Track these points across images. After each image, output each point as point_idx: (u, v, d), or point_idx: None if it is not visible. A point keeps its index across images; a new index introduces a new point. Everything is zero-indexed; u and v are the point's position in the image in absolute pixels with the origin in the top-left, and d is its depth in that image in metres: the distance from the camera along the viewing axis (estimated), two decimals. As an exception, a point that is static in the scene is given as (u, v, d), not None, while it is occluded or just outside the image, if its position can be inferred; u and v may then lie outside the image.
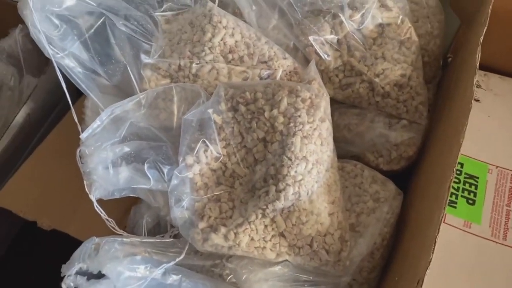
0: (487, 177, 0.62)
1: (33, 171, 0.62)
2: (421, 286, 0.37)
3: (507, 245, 0.55)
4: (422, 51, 0.65)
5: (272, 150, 0.45)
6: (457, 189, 0.60)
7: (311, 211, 0.44)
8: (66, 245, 0.51)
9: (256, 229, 0.43)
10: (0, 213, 0.75)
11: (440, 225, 0.40)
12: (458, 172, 0.62)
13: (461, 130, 0.46)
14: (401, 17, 0.58)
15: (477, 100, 0.70)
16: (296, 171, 0.43)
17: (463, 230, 0.57)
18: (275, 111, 0.46)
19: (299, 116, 0.45)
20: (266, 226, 0.44)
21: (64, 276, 0.41)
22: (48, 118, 0.76)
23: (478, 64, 0.52)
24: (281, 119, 0.45)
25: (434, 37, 0.65)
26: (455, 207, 0.59)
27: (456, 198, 0.59)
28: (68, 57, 0.46)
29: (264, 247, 0.44)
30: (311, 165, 0.44)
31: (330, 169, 0.47)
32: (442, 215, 0.41)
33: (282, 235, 0.44)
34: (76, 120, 0.48)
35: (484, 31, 0.54)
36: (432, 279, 0.48)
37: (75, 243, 0.50)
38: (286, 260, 0.45)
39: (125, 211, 0.58)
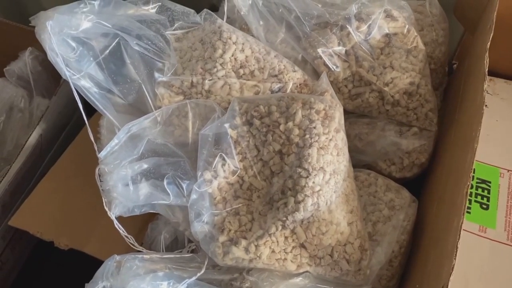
0: (499, 181, 0.62)
1: (48, 191, 0.62)
2: (444, 291, 0.38)
3: (523, 249, 0.56)
4: (428, 59, 0.65)
5: (288, 162, 0.45)
6: (470, 194, 0.60)
7: (330, 221, 0.44)
8: (81, 265, 0.52)
9: (277, 241, 0.44)
10: (13, 237, 0.76)
11: (460, 231, 0.41)
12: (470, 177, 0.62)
13: (475, 136, 0.47)
14: (407, 26, 0.59)
15: (485, 105, 0.71)
16: (314, 182, 0.44)
17: (479, 235, 0.57)
18: (290, 124, 0.46)
19: (314, 127, 0.45)
20: (286, 237, 0.44)
21: (88, 295, 0.41)
22: (58, 138, 0.77)
23: (486, 70, 0.52)
24: (296, 131, 0.46)
25: (439, 44, 0.66)
26: (469, 212, 0.59)
27: (470, 203, 0.60)
28: (84, 78, 0.46)
29: (285, 259, 0.44)
30: (329, 175, 0.44)
31: (347, 178, 0.48)
32: (461, 221, 0.42)
33: (302, 246, 0.44)
34: (92, 139, 0.49)
35: (491, 37, 0.55)
36: (451, 285, 0.49)
37: (89, 263, 0.50)
38: (307, 271, 0.45)
39: (140, 229, 0.58)
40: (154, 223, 0.54)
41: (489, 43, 0.55)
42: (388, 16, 0.59)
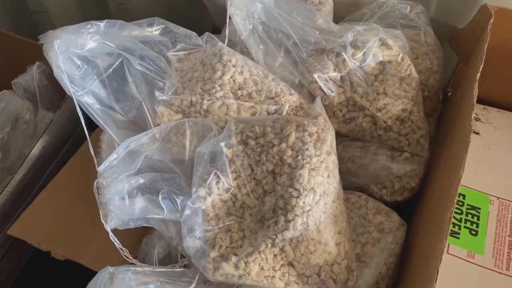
0: (489, 208, 0.63)
1: (47, 203, 0.64)
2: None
3: (510, 276, 0.56)
4: (422, 86, 0.68)
5: (281, 182, 0.47)
6: (460, 220, 0.62)
7: (319, 241, 0.46)
8: (76, 277, 0.53)
9: (266, 258, 0.45)
10: (11, 246, 0.77)
11: (442, 256, 0.42)
12: (460, 203, 0.63)
13: (461, 163, 0.48)
14: (401, 55, 0.61)
15: (477, 133, 0.72)
16: (304, 202, 0.45)
17: (467, 261, 0.58)
18: (283, 145, 0.48)
19: (307, 149, 0.47)
20: (275, 255, 0.45)
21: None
22: (61, 151, 0.79)
23: (475, 99, 0.54)
24: (289, 152, 0.48)
25: (434, 72, 0.68)
26: (458, 238, 0.60)
27: (459, 229, 0.61)
28: (88, 95, 0.49)
29: (274, 276, 0.45)
30: (319, 196, 0.46)
31: (337, 200, 0.49)
32: (444, 246, 0.43)
33: (291, 264, 0.46)
34: (92, 153, 0.51)
35: (481, 68, 0.57)
36: None
37: (85, 275, 0.51)
38: (296, 290, 0.46)
39: (135, 243, 0.59)
40: (148, 237, 0.56)
41: (479, 74, 0.57)
42: (383, 44, 0.61)
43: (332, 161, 0.48)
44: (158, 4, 0.89)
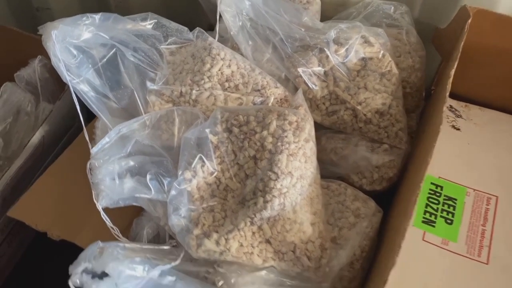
0: (465, 199, 0.66)
1: (46, 187, 0.67)
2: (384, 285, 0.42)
3: (481, 262, 0.59)
4: (404, 83, 0.71)
5: (261, 166, 0.50)
6: (436, 210, 0.64)
7: (294, 220, 0.49)
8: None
9: (245, 236, 0.48)
10: (11, 231, 0.80)
11: (405, 233, 0.45)
12: (438, 194, 0.66)
13: (430, 151, 0.51)
14: (382, 52, 0.64)
15: (458, 129, 0.75)
16: (282, 185, 0.49)
17: (441, 247, 0.61)
18: (265, 132, 0.51)
19: (286, 136, 0.50)
20: (254, 233, 0.49)
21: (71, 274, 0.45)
22: (61, 141, 0.83)
23: (447, 93, 0.57)
24: (270, 139, 0.51)
25: (416, 70, 0.72)
26: (434, 226, 0.63)
27: (436, 218, 0.64)
28: (83, 83, 0.52)
29: (252, 253, 0.49)
30: (296, 179, 0.49)
31: (313, 184, 0.53)
32: (408, 224, 0.46)
33: (268, 241, 0.49)
34: (87, 138, 0.54)
35: (455, 65, 0.61)
36: (392, 279, 0.53)
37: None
38: (272, 266, 0.50)
39: (127, 225, 0.62)
40: (138, 219, 0.59)
41: (453, 70, 0.60)
42: (366, 41, 0.65)
43: (310, 148, 0.52)
44: (156, 2, 0.93)
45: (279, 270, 0.50)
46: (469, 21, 0.67)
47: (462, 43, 0.64)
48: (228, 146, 0.52)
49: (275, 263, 0.49)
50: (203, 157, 0.51)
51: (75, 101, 0.51)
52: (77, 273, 0.45)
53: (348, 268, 0.53)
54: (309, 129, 0.52)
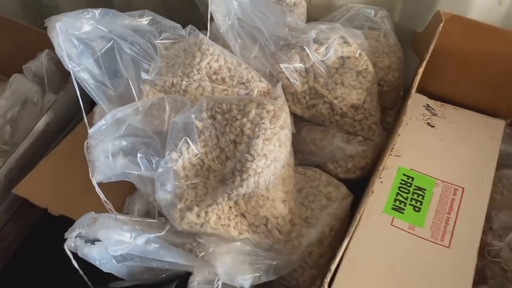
0: (433, 190, 0.71)
1: (49, 168, 0.73)
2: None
3: (443, 245, 0.64)
4: (382, 82, 0.77)
5: (240, 149, 0.56)
6: (406, 199, 0.70)
7: (267, 197, 0.55)
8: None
9: (222, 209, 0.54)
10: (16, 211, 0.86)
11: (363, 211, 0.50)
12: (408, 184, 0.71)
13: (393, 138, 0.57)
14: (359, 51, 0.70)
15: (432, 126, 0.80)
16: (257, 165, 0.54)
17: (407, 232, 0.66)
18: (244, 119, 0.57)
19: (263, 123, 0.56)
20: (230, 207, 0.54)
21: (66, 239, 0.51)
22: (64, 129, 0.88)
23: (414, 90, 0.63)
24: (249, 125, 0.57)
25: (393, 70, 0.77)
26: (402, 213, 0.68)
27: (405, 205, 0.69)
28: (83, 71, 0.58)
29: (229, 225, 0.54)
30: (270, 161, 0.55)
31: (286, 166, 0.58)
32: (366, 202, 0.51)
33: (243, 215, 0.55)
34: (86, 121, 0.60)
35: (423, 64, 0.66)
36: (379, 273, 0.59)
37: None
38: (247, 238, 0.55)
39: (122, 204, 0.68)
40: (131, 197, 0.65)
41: (421, 69, 0.66)
42: (344, 41, 0.70)
43: (284, 135, 0.57)
44: (158, 3, 0.99)
45: (253, 243, 0.55)
46: (441, 25, 0.73)
47: (433, 45, 0.70)
48: (212, 131, 0.58)
49: (249, 235, 0.55)
50: (188, 140, 0.57)
51: (75, 87, 0.57)
52: (71, 238, 0.51)
53: (318, 244, 0.59)
54: (284, 117, 0.58)
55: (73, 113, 0.89)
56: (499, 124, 0.81)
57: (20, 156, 0.78)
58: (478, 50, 0.77)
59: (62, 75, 0.92)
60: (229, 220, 0.54)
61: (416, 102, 0.84)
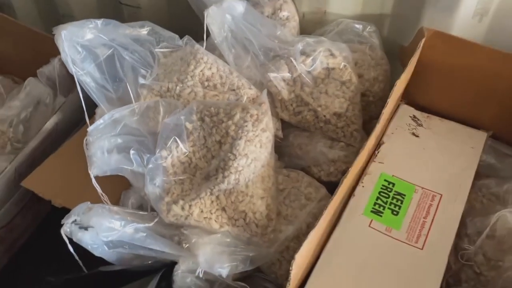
0: (413, 195, 0.75)
1: (55, 164, 0.79)
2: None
3: (417, 247, 0.68)
4: (368, 92, 0.81)
5: (224, 149, 0.61)
6: (386, 203, 0.73)
7: (246, 193, 0.60)
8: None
9: (205, 203, 0.59)
10: (25, 205, 0.92)
11: (330, 207, 0.55)
12: (389, 189, 0.75)
13: (366, 140, 0.61)
14: (343, 63, 0.75)
15: (417, 136, 0.84)
16: (238, 164, 0.59)
17: (384, 233, 0.70)
18: (230, 122, 0.63)
19: (246, 126, 0.62)
20: (212, 201, 0.59)
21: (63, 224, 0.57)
22: (72, 130, 0.95)
23: (389, 98, 0.67)
24: (233, 127, 0.62)
25: (379, 82, 0.82)
26: (381, 216, 0.72)
27: (384, 209, 0.73)
28: (86, 75, 0.64)
29: (210, 218, 0.59)
30: (250, 160, 0.60)
31: (266, 166, 0.63)
32: (332, 199, 0.56)
33: (223, 209, 0.60)
34: (88, 122, 0.66)
35: (402, 76, 0.71)
36: (353, 271, 0.63)
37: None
38: (227, 231, 0.60)
39: (118, 198, 0.74)
40: (126, 192, 0.70)
41: (398, 80, 0.70)
42: (330, 54, 0.75)
43: (266, 137, 0.63)
44: (163, 12, 1.06)
45: (233, 235, 0.60)
46: (423, 40, 0.77)
47: (414, 58, 0.75)
48: (200, 132, 0.64)
49: (229, 228, 0.60)
50: (178, 139, 0.62)
51: (78, 89, 0.63)
52: (67, 224, 0.57)
53: (295, 240, 0.64)
54: (266, 121, 0.63)
55: (81, 115, 0.95)
56: (481, 136, 0.85)
57: (30, 153, 0.84)
58: (460, 65, 0.81)
59: (72, 79, 0.99)
60: (211, 213, 0.59)
61: (404, 113, 0.88)
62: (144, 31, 0.69)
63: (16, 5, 1.14)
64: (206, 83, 0.70)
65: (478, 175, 0.82)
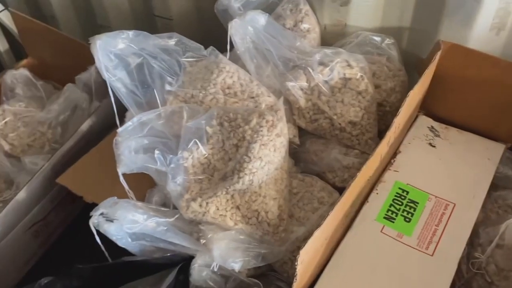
0: (426, 204, 0.76)
1: (88, 163, 0.85)
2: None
3: (427, 253, 0.70)
4: (385, 102, 0.84)
5: (240, 152, 0.66)
6: (399, 210, 0.76)
7: (259, 194, 0.64)
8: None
9: (221, 201, 0.63)
10: (59, 202, 0.99)
11: (336, 212, 0.58)
12: (403, 197, 0.77)
13: (376, 148, 0.64)
14: (360, 74, 0.78)
15: (434, 146, 0.86)
16: (252, 166, 0.64)
17: (395, 239, 0.72)
18: (246, 127, 0.67)
19: (261, 131, 0.66)
20: (227, 200, 0.64)
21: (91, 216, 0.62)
22: (105, 133, 1.01)
23: (401, 109, 0.70)
24: (249, 132, 0.66)
25: (396, 92, 0.84)
26: (393, 222, 0.74)
27: (396, 215, 0.75)
28: (118, 81, 0.70)
29: (225, 215, 0.63)
30: (264, 163, 0.64)
31: (279, 169, 0.67)
32: (339, 203, 0.59)
33: (238, 208, 0.64)
34: (118, 123, 0.72)
35: (415, 87, 0.73)
36: (363, 274, 0.66)
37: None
38: (241, 229, 0.64)
39: (144, 196, 0.79)
40: (151, 190, 0.75)
41: (411, 91, 0.72)
42: (348, 64, 0.79)
43: (280, 142, 0.66)
44: (193, 24, 1.11)
45: (246, 233, 0.64)
46: (439, 53, 0.79)
47: (429, 71, 0.77)
48: (219, 136, 0.68)
49: (242, 226, 0.64)
50: (198, 142, 0.67)
51: (110, 94, 0.69)
52: (95, 215, 0.62)
53: (306, 241, 0.66)
54: (281, 127, 0.67)
55: (113, 119, 1.02)
56: (499, 148, 0.86)
57: (66, 152, 0.91)
58: (477, 77, 0.83)
59: (107, 86, 1.06)
60: (226, 211, 0.64)
61: (422, 123, 0.90)
62: (171, 42, 0.74)
63: (59, 16, 1.23)
64: (227, 91, 0.74)
65: (495, 187, 0.83)
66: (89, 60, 1.04)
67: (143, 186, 0.77)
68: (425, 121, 0.91)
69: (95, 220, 0.62)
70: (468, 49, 0.82)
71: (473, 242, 0.76)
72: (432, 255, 0.70)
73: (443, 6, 0.81)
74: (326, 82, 0.78)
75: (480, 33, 0.82)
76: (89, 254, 0.67)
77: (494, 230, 0.74)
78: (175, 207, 0.72)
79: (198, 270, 0.64)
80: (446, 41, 0.81)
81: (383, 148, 0.69)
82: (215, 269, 0.63)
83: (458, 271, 0.72)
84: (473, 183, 0.80)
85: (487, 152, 0.85)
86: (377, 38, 0.86)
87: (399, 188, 0.78)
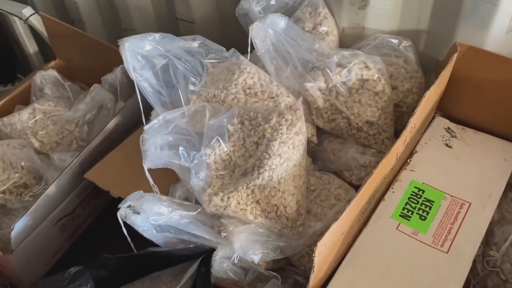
0: (441, 202, 0.78)
1: (114, 159, 0.88)
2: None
3: (442, 251, 0.71)
4: (402, 103, 0.86)
5: (260, 149, 0.69)
6: (414, 208, 0.77)
7: (278, 189, 0.66)
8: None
9: (241, 196, 0.66)
10: (85, 197, 1.03)
11: (354, 206, 0.60)
12: (418, 196, 0.79)
13: (392, 147, 0.66)
14: (377, 75, 0.80)
15: (450, 147, 0.88)
16: (272, 162, 0.66)
17: (411, 236, 0.74)
18: (266, 125, 0.70)
19: (281, 129, 0.68)
20: (248, 195, 0.66)
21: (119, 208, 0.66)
22: (130, 131, 1.04)
23: (418, 108, 0.72)
24: (269, 130, 0.69)
25: (412, 93, 0.86)
26: (409, 220, 0.76)
27: (412, 214, 0.76)
28: (144, 81, 0.74)
29: (246, 210, 0.66)
30: (283, 160, 0.67)
31: (297, 165, 0.70)
32: (356, 198, 0.61)
33: (257, 202, 0.66)
34: (144, 122, 0.76)
35: (431, 88, 0.75)
36: (377, 269, 0.67)
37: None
38: (261, 223, 0.67)
39: (167, 190, 0.82)
40: (174, 185, 0.79)
41: (428, 92, 0.74)
42: (365, 66, 0.81)
43: (298, 140, 0.69)
44: (215, 27, 1.15)
45: (266, 226, 0.67)
46: (455, 55, 0.81)
47: (445, 72, 0.78)
48: (240, 134, 0.71)
49: (262, 220, 0.66)
50: (220, 139, 0.70)
51: (137, 93, 0.73)
52: (123, 208, 0.65)
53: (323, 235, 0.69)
54: (300, 125, 0.69)
55: (137, 118, 1.06)
56: (515, 149, 0.87)
57: (92, 150, 0.95)
58: (494, 79, 0.84)
59: (132, 86, 1.09)
60: (246, 205, 0.66)
61: (438, 124, 0.92)
62: (195, 44, 0.78)
63: (86, 19, 1.27)
64: (248, 91, 0.77)
65: (510, 187, 0.84)
66: (115, 61, 1.09)
67: (166, 181, 0.80)
68: (441, 122, 0.92)
69: (123, 212, 0.65)
70: (484, 51, 0.83)
71: (488, 241, 0.77)
72: (447, 253, 0.72)
73: (459, 9, 0.83)
74: (344, 83, 0.80)
75: (497, 35, 0.83)
76: (115, 246, 0.70)
77: (509, 229, 0.75)
78: (197, 202, 0.75)
79: (219, 262, 0.67)
80: (463, 43, 0.83)
81: (399, 146, 0.70)
82: (236, 261, 0.66)
83: (473, 269, 0.74)
84: (489, 183, 0.81)
85: (503, 153, 0.86)
86: (395, 41, 0.88)
87: (415, 187, 0.80)
